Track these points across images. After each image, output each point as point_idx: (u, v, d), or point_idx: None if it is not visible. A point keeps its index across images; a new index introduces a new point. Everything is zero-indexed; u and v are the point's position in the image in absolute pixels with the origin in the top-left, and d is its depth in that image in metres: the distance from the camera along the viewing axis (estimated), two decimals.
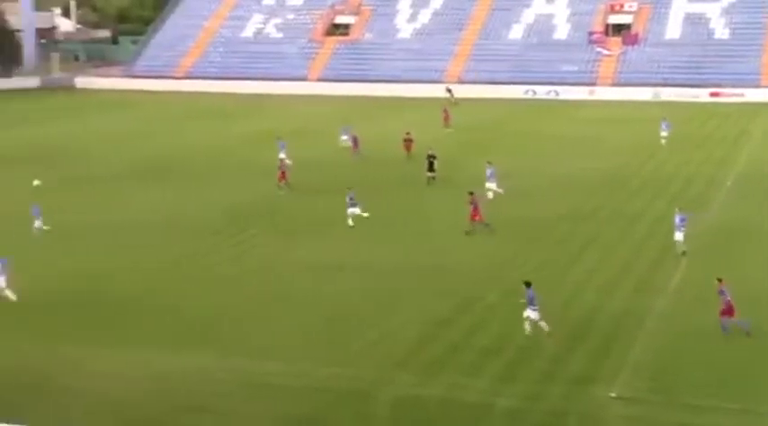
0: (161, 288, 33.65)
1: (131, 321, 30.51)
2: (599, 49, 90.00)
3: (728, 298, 28.11)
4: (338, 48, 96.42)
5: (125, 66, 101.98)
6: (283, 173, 48.63)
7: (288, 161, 51.90)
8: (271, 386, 25.52)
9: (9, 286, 31.92)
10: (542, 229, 40.23)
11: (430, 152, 49.87)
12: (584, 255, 36.87)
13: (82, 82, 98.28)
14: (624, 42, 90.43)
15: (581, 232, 40.10)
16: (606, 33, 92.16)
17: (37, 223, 40.19)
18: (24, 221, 40.61)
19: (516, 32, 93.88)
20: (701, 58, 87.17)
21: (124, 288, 33.63)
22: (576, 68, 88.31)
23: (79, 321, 30.52)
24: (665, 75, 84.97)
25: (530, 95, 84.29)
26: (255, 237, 40.12)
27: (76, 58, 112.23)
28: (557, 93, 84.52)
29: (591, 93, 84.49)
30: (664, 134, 60.16)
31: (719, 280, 28.60)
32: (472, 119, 70.80)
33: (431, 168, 49.06)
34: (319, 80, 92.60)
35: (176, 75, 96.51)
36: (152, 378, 26.10)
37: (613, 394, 24.42)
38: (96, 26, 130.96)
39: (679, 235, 36.23)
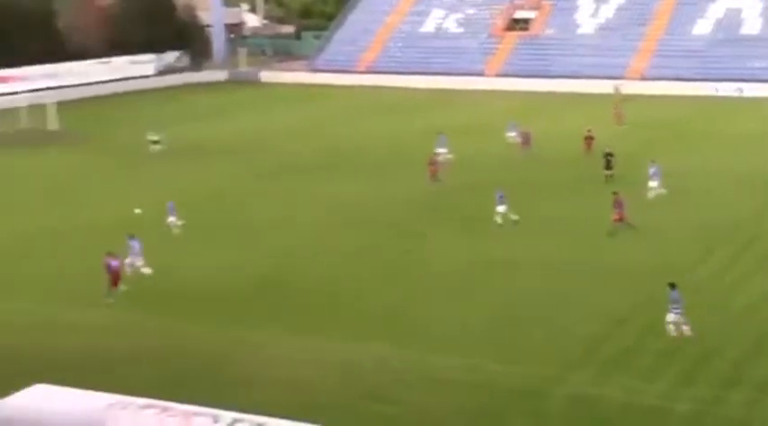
0: (341, 279, 34.65)
1: (312, 310, 31.58)
2: None
3: None
4: (518, 44, 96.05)
5: (308, 60, 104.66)
6: (434, 166, 49.38)
7: (448, 155, 52.79)
8: (446, 380, 25.96)
9: (146, 264, 34.03)
10: (726, 229, 39.18)
11: (607, 150, 49.23)
12: None
13: (266, 76, 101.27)
14: None
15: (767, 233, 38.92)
16: None
17: (171, 219, 40.50)
18: (213, 211, 42.38)
19: (701, 27, 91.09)
20: None
21: (306, 278, 34.82)
22: (766, 65, 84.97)
23: (261, 308, 31.84)
24: None
25: (714, 92, 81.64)
26: (429, 231, 40.61)
27: (263, 53, 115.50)
28: (741, 91, 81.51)
29: None
30: None
31: None
32: (653, 117, 69.22)
33: (608, 166, 48.42)
34: (497, 75, 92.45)
35: (357, 69, 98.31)
36: (331, 365, 27.00)
37: None
38: (281, 21, 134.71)
39: None
